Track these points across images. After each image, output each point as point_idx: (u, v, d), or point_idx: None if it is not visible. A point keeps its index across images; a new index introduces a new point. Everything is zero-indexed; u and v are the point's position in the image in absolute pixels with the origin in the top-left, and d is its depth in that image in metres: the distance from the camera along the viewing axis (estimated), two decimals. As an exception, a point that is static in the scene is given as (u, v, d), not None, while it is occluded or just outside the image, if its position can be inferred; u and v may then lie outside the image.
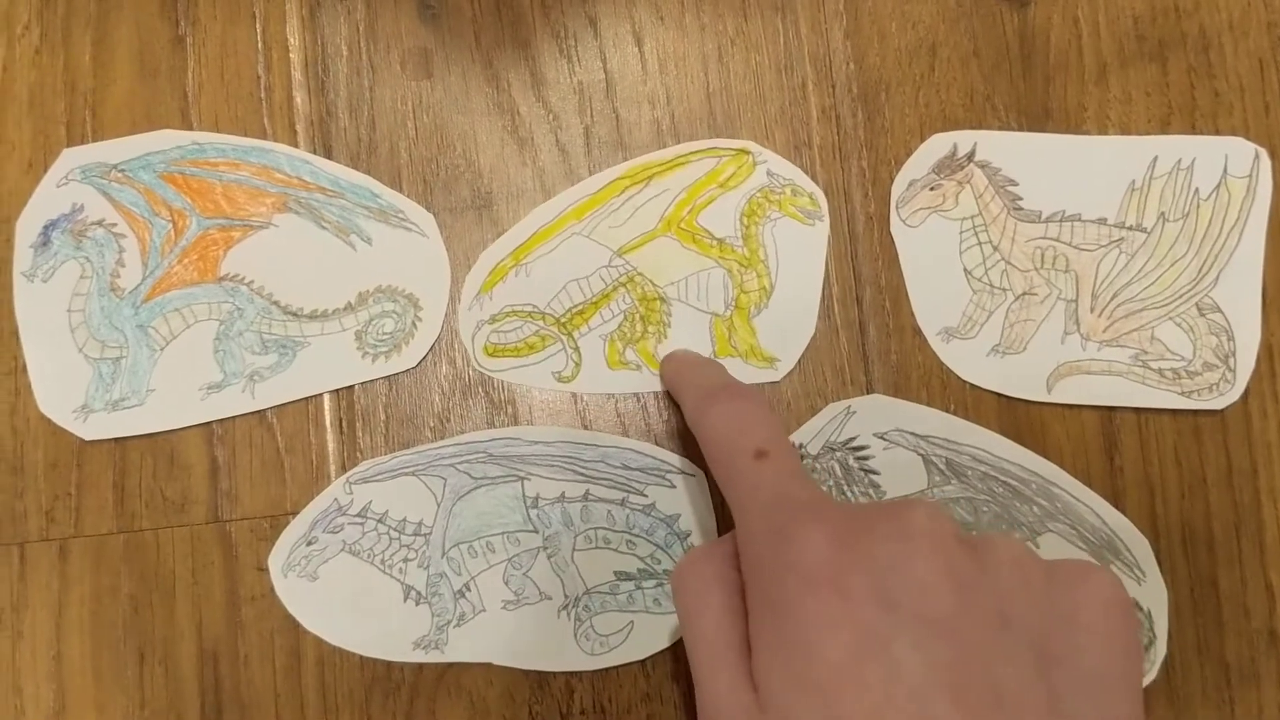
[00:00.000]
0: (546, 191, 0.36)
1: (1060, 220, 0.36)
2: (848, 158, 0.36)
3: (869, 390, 0.35)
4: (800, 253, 0.36)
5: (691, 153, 0.36)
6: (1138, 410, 0.35)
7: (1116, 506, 0.34)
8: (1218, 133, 0.36)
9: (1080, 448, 0.35)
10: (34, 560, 0.35)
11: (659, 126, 0.36)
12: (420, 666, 0.34)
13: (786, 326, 0.35)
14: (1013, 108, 0.36)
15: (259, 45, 0.36)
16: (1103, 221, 0.36)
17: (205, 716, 0.34)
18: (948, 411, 0.35)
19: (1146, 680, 0.33)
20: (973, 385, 0.35)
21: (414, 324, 0.35)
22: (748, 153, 0.36)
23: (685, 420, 0.32)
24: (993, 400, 0.35)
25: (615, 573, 0.34)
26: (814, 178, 0.36)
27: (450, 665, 0.34)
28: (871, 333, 0.35)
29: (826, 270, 0.36)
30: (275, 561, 0.34)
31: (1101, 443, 0.35)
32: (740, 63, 0.36)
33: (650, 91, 0.36)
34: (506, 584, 0.34)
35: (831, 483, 0.35)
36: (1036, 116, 0.36)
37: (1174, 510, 0.35)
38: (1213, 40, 0.36)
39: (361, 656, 0.34)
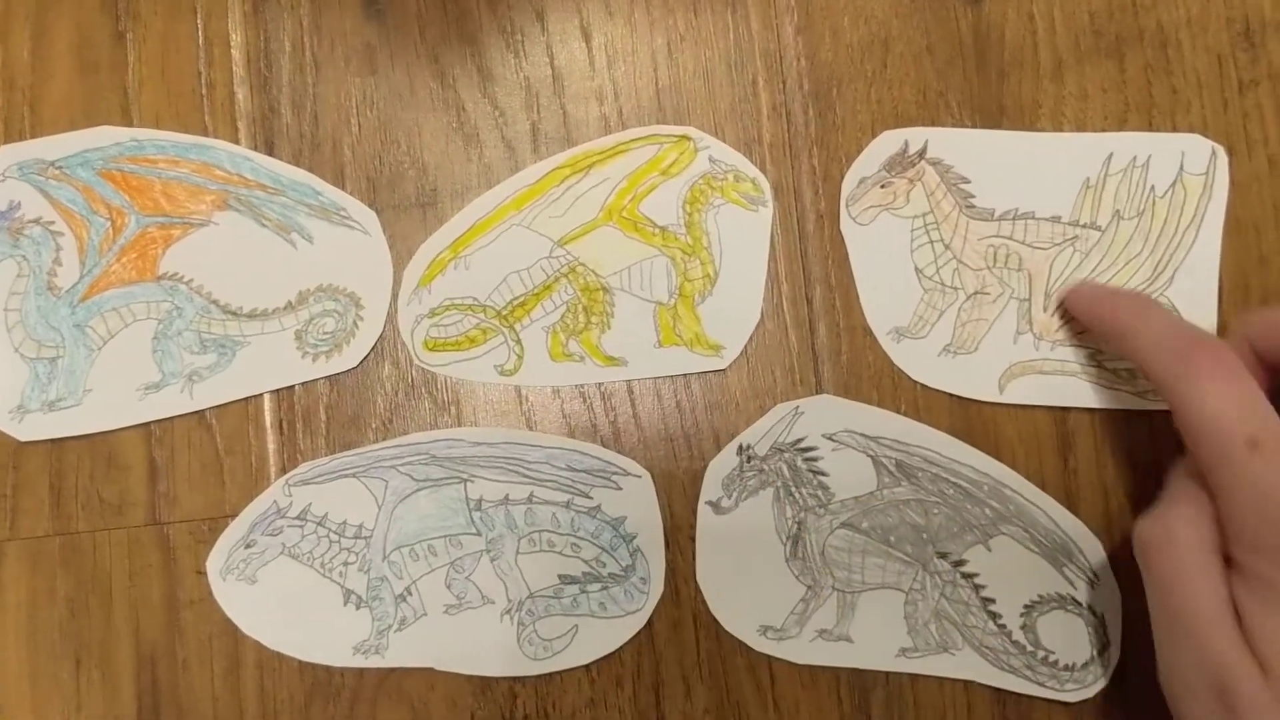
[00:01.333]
0: (492, 188, 0.35)
1: (1013, 218, 0.35)
2: (798, 155, 0.35)
3: (818, 390, 0.35)
4: (744, 239, 0.35)
5: (632, 140, 0.35)
6: (1091, 410, 0.34)
7: (1070, 509, 0.34)
8: (1175, 130, 0.35)
9: (1033, 448, 0.34)
10: (-31, 563, 0.34)
11: (607, 122, 0.36)
12: (361, 671, 0.34)
13: (731, 314, 0.35)
14: (966, 104, 0.36)
15: (200, 41, 0.36)
16: (1056, 219, 0.35)
17: (142, 721, 0.34)
18: (899, 412, 0.34)
19: (1099, 685, 0.33)
20: (924, 386, 0.34)
21: (355, 323, 0.35)
22: (689, 139, 0.35)
23: (1135, 364, 0.31)
24: (944, 400, 0.35)
25: (560, 576, 0.34)
26: (764, 174, 0.35)
27: (391, 670, 0.34)
28: (821, 332, 0.35)
29: (776, 269, 0.35)
30: (214, 564, 0.34)
31: (1055, 444, 0.34)
32: (690, 58, 0.36)
33: (598, 87, 0.36)
34: (449, 588, 0.34)
35: (779, 484, 0.34)
36: (991, 113, 0.36)
37: (1128, 513, 0.34)
38: (1170, 36, 0.36)
39: (301, 661, 0.34)
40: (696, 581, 0.34)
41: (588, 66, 0.36)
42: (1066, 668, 0.33)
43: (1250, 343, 0.30)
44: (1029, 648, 0.33)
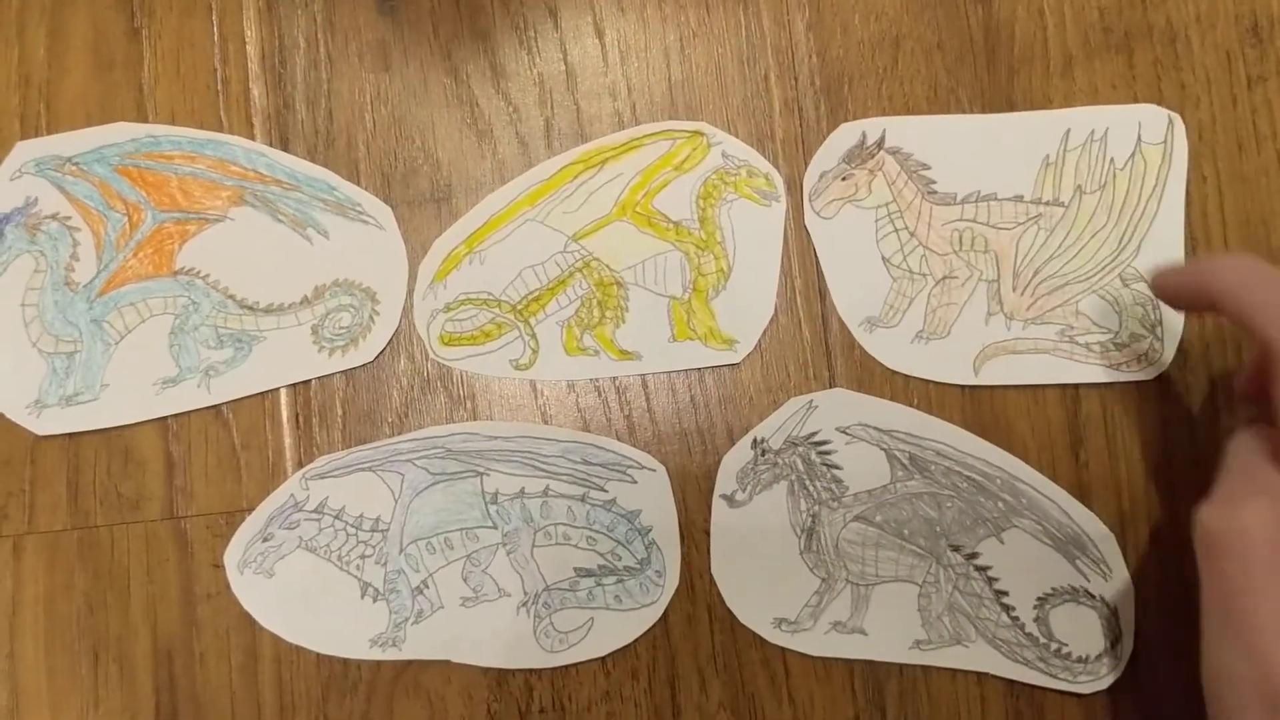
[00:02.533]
0: (506, 184, 0.36)
1: (976, 201, 0.35)
2: (811, 150, 0.36)
3: (831, 385, 0.35)
4: (757, 234, 0.35)
5: (645, 135, 0.36)
6: (1103, 403, 0.34)
7: (1081, 501, 0.34)
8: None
9: (1045, 443, 0.34)
10: (-13, 557, 0.34)
11: (620, 118, 0.36)
12: (378, 664, 0.34)
13: (745, 308, 0.35)
14: (977, 100, 0.36)
15: (215, 38, 0.36)
16: (1019, 199, 0.35)
17: (160, 715, 0.34)
18: (911, 406, 0.35)
19: (1112, 678, 0.33)
20: (937, 383, 0.35)
21: (371, 318, 0.35)
22: (702, 134, 0.35)
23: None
24: (956, 394, 0.35)
25: (575, 569, 0.34)
26: (776, 170, 0.36)
27: (408, 663, 0.34)
28: (834, 326, 0.35)
29: (788, 261, 0.35)
30: (231, 558, 0.34)
31: (1067, 439, 0.35)
32: (702, 54, 0.36)
33: (611, 83, 0.36)
34: (465, 581, 0.34)
35: (793, 477, 0.34)
36: (1001, 109, 0.36)
37: (1140, 505, 0.34)
38: (1180, 32, 0.36)
39: (319, 654, 0.34)
40: (711, 574, 0.34)
41: (601, 63, 0.36)
42: (1079, 660, 0.33)
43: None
44: (1042, 640, 0.33)
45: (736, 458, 0.34)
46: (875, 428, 0.34)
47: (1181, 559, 0.34)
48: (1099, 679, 0.33)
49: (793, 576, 0.34)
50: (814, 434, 0.34)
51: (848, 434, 0.34)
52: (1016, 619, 0.34)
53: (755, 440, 0.34)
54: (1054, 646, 0.33)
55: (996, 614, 0.34)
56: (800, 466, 0.34)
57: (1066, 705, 0.33)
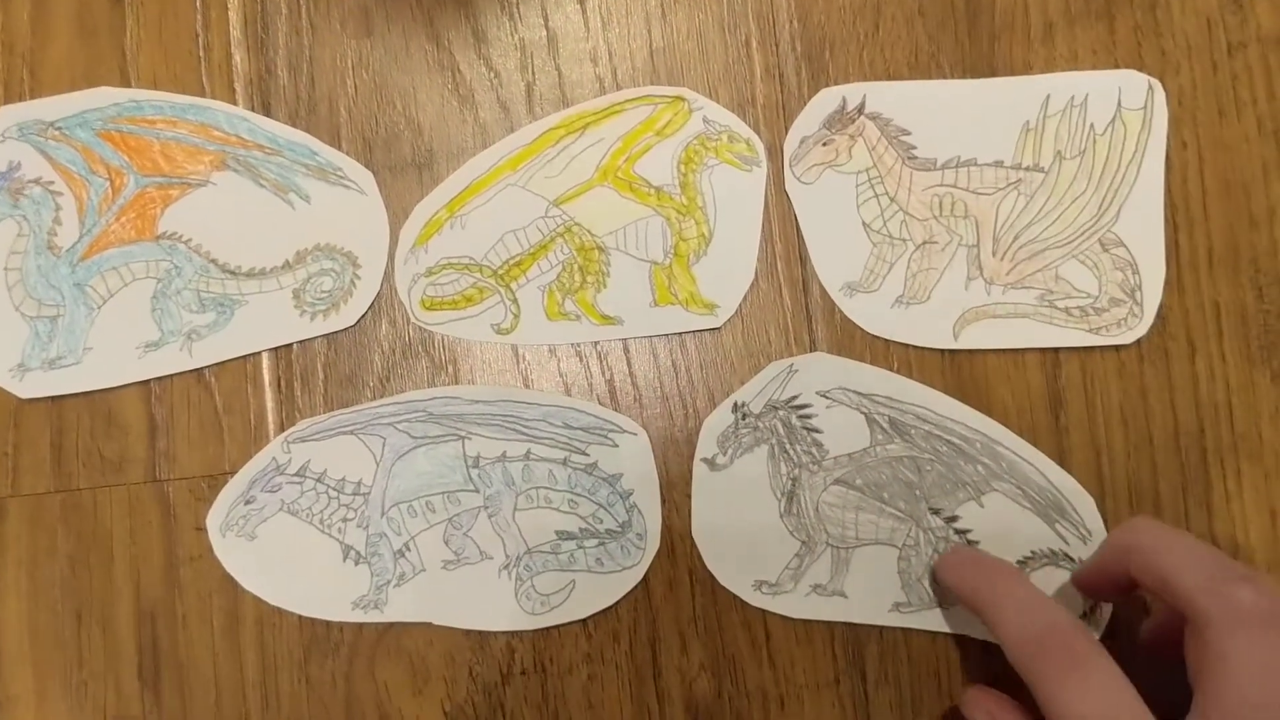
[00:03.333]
0: (487, 149, 0.36)
1: (956, 166, 0.35)
2: (791, 116, 0.36)
3: (812, 349, 0.35)
4: (738, 199, 0.35)
5: (626, 100, 0.36)
6: (1083, 367, 0.35)
7: (1062, 465, 0.34)
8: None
9: (1025, 406, 0.35)
10: (-30, 520, 0.34)
11: (601, 84, 0.36)
12: (360, 626, 0.34)
13: (726, 273, 0.35)
14: (958, 67, 0.36)
15: (198, 4, 0.36)
16: (999, 164, 0.35)
17: (143, 676, 0.34)
18: (891, 370, 0.35)
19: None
20: (917, 347, 0.35)
21: (352, 282, 0.35)
22: (683, 100, 0.36)
23: (998, 641, 0.29)
24: (936, 359, 0.35)
25: (557, 532, 0.34)
26: (757, 135, 0.36)
27: (390, 625, 0.34)
28: (815, 291, 0.35)
29: (769, 226, 0.35)
30: (213, 521, 0.34)
31: (1047, 402, 0.35)
32: (683, 19, 0.36)
33: (592, 49, 0.36)
34: (447, 544, 0.34)
35: (774, 441, 0.34)
36: (982, 75, 0.36)
37: (1120, 469, 0.34)
38: (1160, -1, 0.36)
39: (300, 616, 0.34)
40: (692, 538, 0.34)
41: (582, 28, 0.36)
42: None
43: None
44: None
45: (717, 421, 0.35)
46: (856, 391, 0.35)
47: (1159, 510, 0.34)
48: None
49: (773, 539, 0.34)
50: (794, 398, 0.35)
51: (828, 398, 0.35)
52: None
53: (736, 404, 0.35)
54: None
55: None
56: (781, 430, 0.34)
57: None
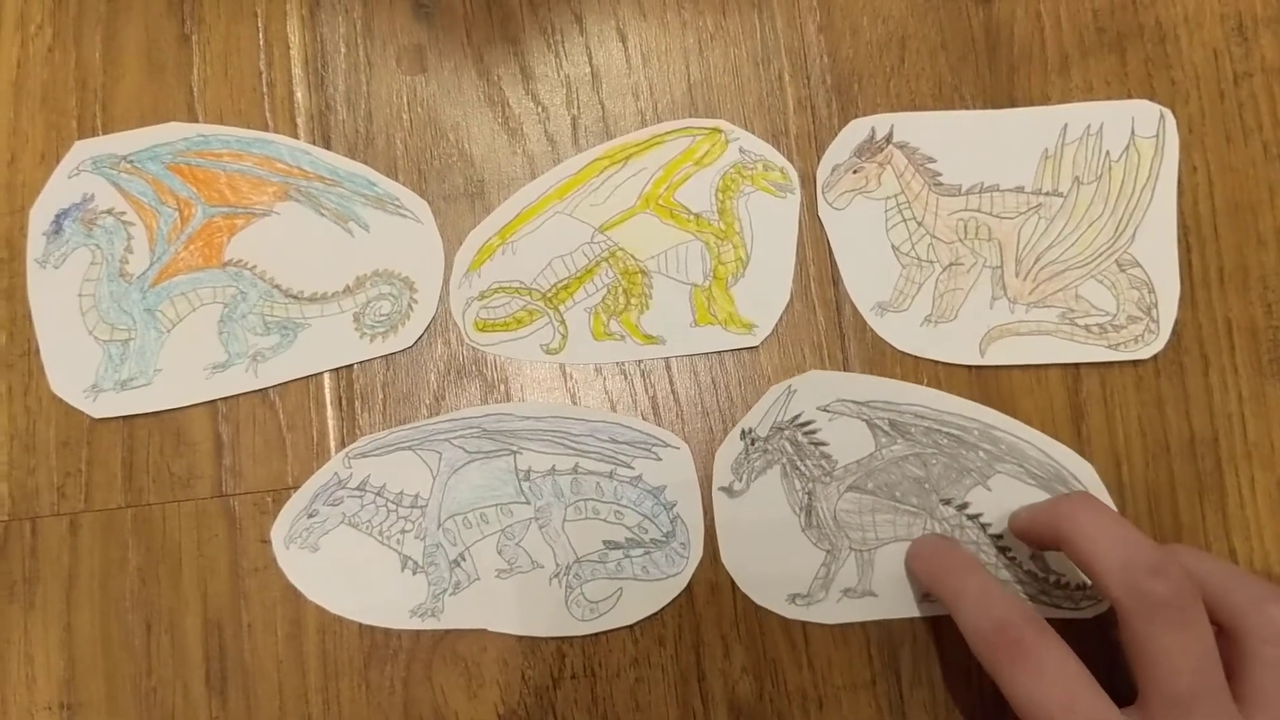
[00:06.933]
0: (536, 179, 0.38)
1: (979, 192, 0.37)
2: (823, 145, 0.38)
3: (845, 367, 0.37)
4: (773, 224, 0.37)
5: (666, 133, 0.38)
6: (1102, 381, 0.36)
7: (1084, 474, 0.36)
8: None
9: (1048, 419, 0.36)
10: (45, 534, 0.36)
11: (643, 117, 0.38)
12: (417, 634, 0.36)
13: (763, 294, 0.37)
14: (979, 97, 0.38)
15: (261, 43, 0.38)
16: (1020, 190, 0.37)
17: (210, 684, 0.35)
18: (921, 385, 0.36)
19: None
20: (945, 363, 0.37)
21: (410, 306, 0.37)
22: (720, 131, 0.38)
23: (954, 619, 0.31)
24: (964, 374, 0.37)
25: (604, 542, 0.36)
26: (791, 164, 0.38)
27: (446, 632, 0.36)
28: (848, 311, 0.37)
29: (803, 250, 0.37)
30: (277, 534, 0.36)
31: (1069, 414, 0.36)
32: (719, 56, 0.38)
33: (634, 84, 0.38)
34: (500, 554, 0.36)
35: (784, 460, 0.36)
36: (1002, 105, 0.38)
37: (1139, 478, 0.36)
38: (1169, 32, 0.38)
39: (360, 624, 0.36)
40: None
41: (624, 65, 0.38)
42: (1079, 587, 0.35)
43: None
44: (1040, 575, 0.35)
45: (728, 450, 0.36)
46: (854, 401, 0.36)
47: (1180, 532, 0.36)
48: (1099, 603, 0.35)
49: (799, 553, 0.36)
50: (797, 416, 0.36)
51: (828, 411, 0.36)
52: (1014, 559, 0.35)
53: (744, 431, 0.36)
54: (1053, 579, 0.35)
55: (994, 557, 0.35)
56: (789, 449, 0.36)
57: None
